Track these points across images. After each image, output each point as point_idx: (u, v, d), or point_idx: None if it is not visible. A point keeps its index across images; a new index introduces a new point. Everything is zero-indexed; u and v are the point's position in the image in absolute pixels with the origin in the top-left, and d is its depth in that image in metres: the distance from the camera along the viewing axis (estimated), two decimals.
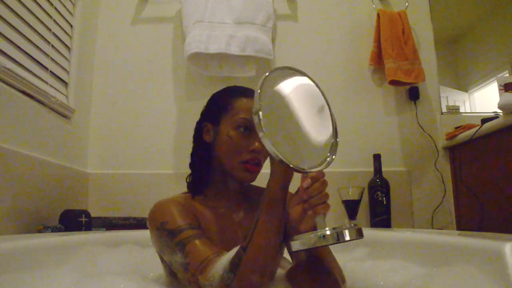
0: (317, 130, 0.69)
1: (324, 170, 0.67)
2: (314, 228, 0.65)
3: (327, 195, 0.66)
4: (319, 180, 0.65)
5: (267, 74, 0.67)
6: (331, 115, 0.71)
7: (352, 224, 0.65)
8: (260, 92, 0.64)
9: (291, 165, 0.63)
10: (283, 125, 0.66)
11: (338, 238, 0.62)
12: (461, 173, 1.86)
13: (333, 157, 0.68)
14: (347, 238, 0.62)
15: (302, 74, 0.72)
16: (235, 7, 1.89)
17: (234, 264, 0.67)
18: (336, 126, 0.70)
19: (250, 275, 0.66)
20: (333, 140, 0.69)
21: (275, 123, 0.65)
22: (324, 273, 0.74)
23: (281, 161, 0.62)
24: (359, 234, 0.63)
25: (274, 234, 0.68)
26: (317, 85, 0.72)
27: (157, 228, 0.79)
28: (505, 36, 2.29)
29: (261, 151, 0.84)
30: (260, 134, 0.62)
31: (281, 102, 0.67)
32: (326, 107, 0.71)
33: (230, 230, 0.85)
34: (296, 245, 0.63)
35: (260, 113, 0.63)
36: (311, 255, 0.75)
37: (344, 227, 0.63)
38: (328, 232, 0.62)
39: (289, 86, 0.69)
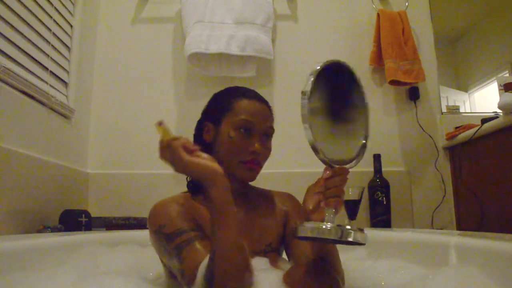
0: (351, 129, 0.70)
1: None
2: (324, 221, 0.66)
3: (342, 191, 0.67)
4: (340, 175, 0.66)
5: (322, 63, 0.67)
6: (367, 117, 0.71)
7: (358, 228, 0.64)
8: (313, 79, 0.65)
9: (320, 155, 0.63)
10: (323, 115, 0.67)
11: (341, 236, 0.62)
12: (461, 173, 1.86)
13: (362, 156, 0.69)
14: (350, 238, 0.62)
15: (353, 73, 0.71)
16: (235, 7, 1.89)
17: (209, 278, 0.66)
18: (368, 128, 0.71)
19: (227, 284, 0.66)
20: (363, 141, 0.70)
21: (317, 110, 0.65)
22: (324, 274, 0.74)
23: (313, 147, 0.63)
24: (363, 239, 0.63)
25: (235, 239, 0.67)
26: (362, 88, 0.72)
27: (155, 232, 0.79)
28: (505, 36, 2.29)
29: (261, 153, 0.84)
30: (304, 120, 0.63)
31: (326, 92, 0.68)
32: (365, 109, 0.71)
33: None
34: (299, 231, 0.64)
35: (307, 96, 0.64)
36: (318, 255, 0.75)
37: (350, 228, 0.63)
38: (333, 227, 0.62)
39: (337, 80, 0.70)
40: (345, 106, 0.71)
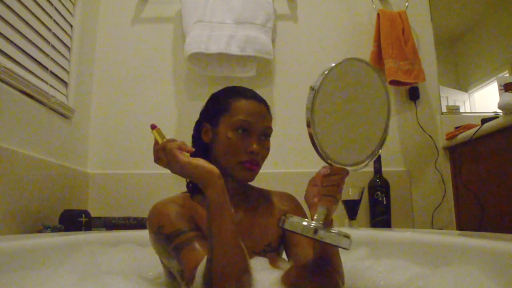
0: (365, 133, 0.68)
1: None
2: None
3: (338, 191, 0.66)
4: (338, 175, 0.66)
5: (340, 60, 0.65)
6: (386, 125, 0.68)
7: (343, 233, 0.63)
8: (326, 72, 0.63)
9: (319, 149, 0.63)
10: (334, 113, 0.65)
11: (321, 237, 0.61)
12: (461, 173, 1.86)
13: (369, 162, 0.67)
14: (327, 240, 0.62)
15: (380, 79, 0.68)
16: (235, 7, 1.89)
17: (207, 279, 0.66)
18: (385, 138, 0.68)
19: (225, 284, 0.65)
20: (375, 149, 0.68)
21: (327, 107, 0.64)
22: (324, 274, 0.73)
23: (312, 141, 0.62)
24: (343, 243, 0.62)
25: (232, 239, 0.67)
26: (387, 94, 0.69)
27: (155, 232, 0.79)
28: (505, 36, 2.29)
29: (259, 153, 0.84)
30: (307, 114, 0.62)
31: (343, 91, 0.66)
32: (385, 116, 0.69)
33: None
34: (281, 221, 0.65)
35: (314, 91, 0.62)
36: (319, 254, 0.75)
37: (334, 231, 0.63)
38: (316, 226, 0.62)
39: (358, 81, 0.67)
40: (363, 108, 0.68)
